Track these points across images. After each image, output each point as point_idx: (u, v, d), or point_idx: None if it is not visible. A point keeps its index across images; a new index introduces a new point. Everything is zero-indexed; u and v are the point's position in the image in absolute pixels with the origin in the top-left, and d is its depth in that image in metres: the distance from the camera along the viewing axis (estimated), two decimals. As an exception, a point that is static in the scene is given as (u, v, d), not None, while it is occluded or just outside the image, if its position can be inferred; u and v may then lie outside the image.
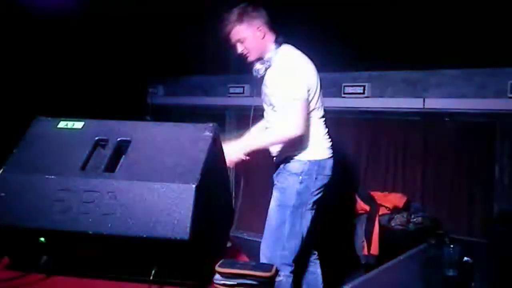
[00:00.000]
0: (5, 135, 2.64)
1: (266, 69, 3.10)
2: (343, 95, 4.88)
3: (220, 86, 5.91)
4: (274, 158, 3.23)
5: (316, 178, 3.09)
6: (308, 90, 3.01)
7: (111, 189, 1.70)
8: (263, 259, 3.07)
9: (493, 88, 4.21)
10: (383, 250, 4.19)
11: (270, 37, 3.11)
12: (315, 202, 3.14)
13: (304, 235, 3.13)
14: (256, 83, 3.27)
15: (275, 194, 3.16)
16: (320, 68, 3.16)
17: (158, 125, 1.95)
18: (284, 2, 4.79)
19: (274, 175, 3.23)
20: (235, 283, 1.74)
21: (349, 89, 4.88)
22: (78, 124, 1.94)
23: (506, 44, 4.07)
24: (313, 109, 3.11)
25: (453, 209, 4.48)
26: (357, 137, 5.04)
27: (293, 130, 2.95)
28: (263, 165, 3.36)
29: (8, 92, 4.82)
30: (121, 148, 1.85)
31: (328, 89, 4.84)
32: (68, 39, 5.30)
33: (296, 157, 3.09)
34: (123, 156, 1.83)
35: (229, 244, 2.28)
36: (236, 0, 3.19)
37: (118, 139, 1.87)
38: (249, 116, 3.41)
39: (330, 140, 3.23)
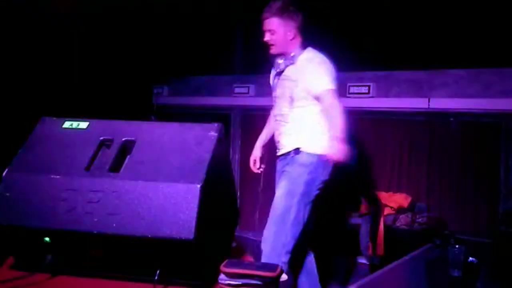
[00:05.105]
0: (11, 135, 2.64)
1: (286, 66, 3.21)
2: (348, 95, 4.87)
3: (225, 86, 5.90)
4: (279, 151, 3.26)
5: (322, 172, 3.15)
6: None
7: (116, 189, 1.70)
8: (265, 247, 3.08)
9: (498, 88, 4.19)
10: (388, 250, 4.18)
11: (298, 40, 3.24)
12: (316, 196, 3.18)
13: (303, 225, 3.17)
14: (262, 83, 3.29)
15: (284, 182, 3.20)
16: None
17: (163, 125, 1.95)
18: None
19: (280, 166, 3.27)
20: (240, 283, 1.73)
21: (354, 89, 4.87)
22: (83, 124, 1.95)
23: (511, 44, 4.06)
24: None
25: (458, 210, 4.47)
26: (362, 137, 5.03)
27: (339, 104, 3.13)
28: (266, 165, 3.40)
29: (14, 92, 4.83)
30: (126, 148, 1.86)
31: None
32: (74, 40, 5.31)
33: (306, 150, 3.16)
34: (128, 156, 1.83)
35: (234, 244, 2.28)
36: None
37: (123, 139, 1.87)
38: (255, 116, 3.42)
39: None
